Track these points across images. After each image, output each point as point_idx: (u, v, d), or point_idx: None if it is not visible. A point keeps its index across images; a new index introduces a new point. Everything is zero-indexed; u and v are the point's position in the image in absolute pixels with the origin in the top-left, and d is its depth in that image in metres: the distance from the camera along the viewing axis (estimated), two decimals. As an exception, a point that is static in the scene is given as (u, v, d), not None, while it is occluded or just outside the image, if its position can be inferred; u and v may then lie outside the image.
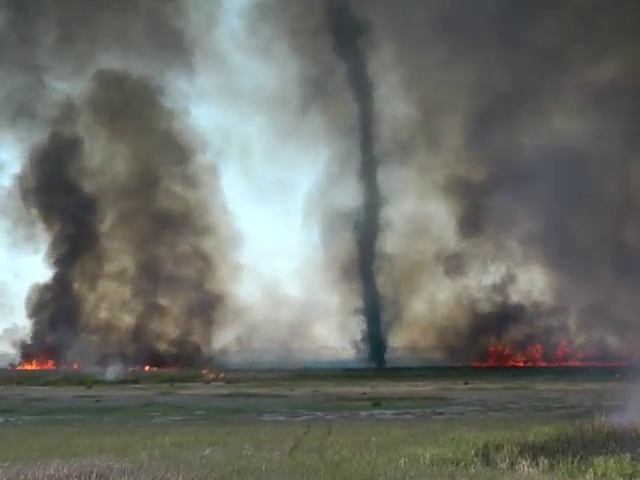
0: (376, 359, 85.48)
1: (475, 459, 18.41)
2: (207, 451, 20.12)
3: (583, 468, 17.12)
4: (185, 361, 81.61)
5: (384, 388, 52.39)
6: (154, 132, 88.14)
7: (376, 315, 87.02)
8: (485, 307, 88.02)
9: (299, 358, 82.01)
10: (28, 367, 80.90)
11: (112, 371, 64.34)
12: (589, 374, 61.67)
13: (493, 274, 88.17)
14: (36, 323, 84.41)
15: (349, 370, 72.65)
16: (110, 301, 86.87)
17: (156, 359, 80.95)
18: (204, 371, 68.55)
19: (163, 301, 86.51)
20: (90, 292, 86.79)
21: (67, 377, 62.93)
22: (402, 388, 52.06)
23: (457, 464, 17.97)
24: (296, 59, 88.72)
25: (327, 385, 55.39)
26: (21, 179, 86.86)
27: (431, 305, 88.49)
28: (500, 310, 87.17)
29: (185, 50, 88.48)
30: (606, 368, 65.20)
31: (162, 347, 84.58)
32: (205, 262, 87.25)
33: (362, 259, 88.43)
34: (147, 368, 76.87)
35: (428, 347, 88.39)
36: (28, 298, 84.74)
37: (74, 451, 20.52)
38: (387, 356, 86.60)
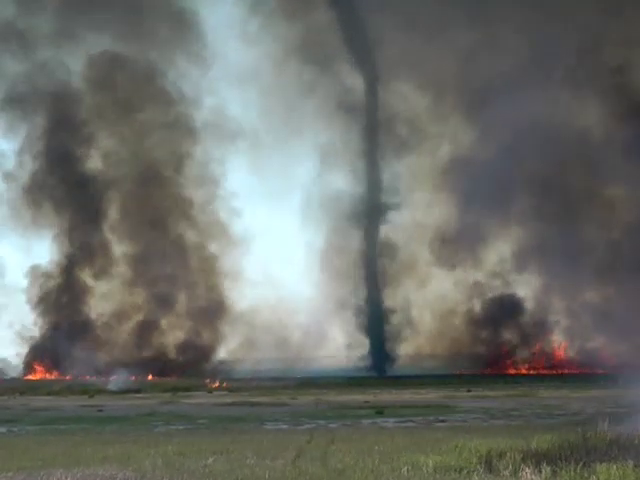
0: (377, 368, 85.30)
1: (478, 466, 18.38)
2: (210, 460, 20.10)
3: (586, 475, 17.09)
4: (188, 369, 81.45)
5: (387, 396, 52.35)
6: (155, 116, 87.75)
7: (379, 323, 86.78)
8: (486, 303, 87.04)
9: (301, 366, 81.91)
10: (32, 377, 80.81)
11: (117, 381, 64.35)
12: (591, 381, 61.66)
13: (495, 264, 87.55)
14: (40, 321, 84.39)
15: (351, 378, 72.58)
16: (114, 303, 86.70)
17: (160, 367, 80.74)
18: (207, 380, 68.51)
19: (167, 307, 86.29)
20: (94, 290, 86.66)
21: (70, 387, 62.91)
22: (405, 396, 52.01)
23: (460, 472, 17.95)
24: (293, 29, 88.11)
25: (329, 393, 55.35)
26: (24, 168, 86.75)
27: (434, 304, 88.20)
28: (501, 307, 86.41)
29: (183, 32, 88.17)
30: (608, 375, 65.17)
31: (165, 355, 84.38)
32: (208, 264, 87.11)
33: (365, 262, 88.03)
34: (150, 377, 76.69)
35: (430, 354, 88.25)
36: (30, 285, 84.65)
37: (77, 461, 20.50)
38: (389, 364, 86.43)
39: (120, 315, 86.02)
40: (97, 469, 18.12)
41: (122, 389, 60.91)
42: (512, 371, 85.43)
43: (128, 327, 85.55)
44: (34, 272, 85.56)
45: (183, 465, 19.28)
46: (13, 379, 77.34)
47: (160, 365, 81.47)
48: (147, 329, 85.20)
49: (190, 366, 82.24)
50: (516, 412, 38.45)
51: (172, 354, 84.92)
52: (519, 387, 59.63)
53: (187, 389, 61.44)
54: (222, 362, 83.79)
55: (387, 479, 17.08)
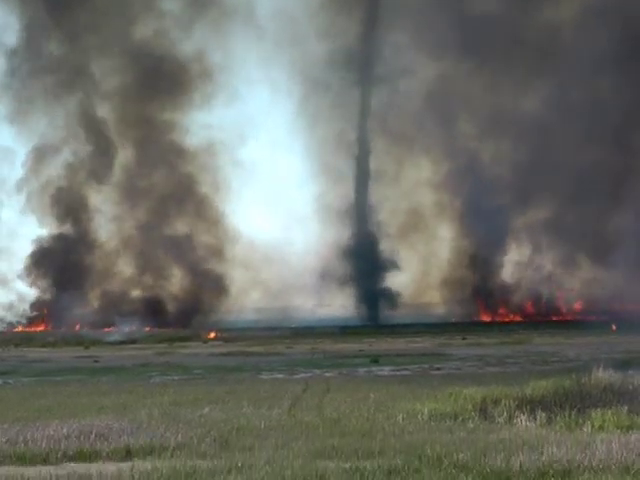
0: (371, 316, 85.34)
1: (473, 414, 18.48)
2: (206, 410, 20.17)
3: (581, 421, 17.19)
4: (185, 317, 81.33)
5: (382, 345, 52.57)
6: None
7: (371, 272, 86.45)
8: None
9: (297, 316, 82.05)
10: (28, 328, 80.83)
11: (120, 332, 64.56)
12: (586, 327, 61.97)
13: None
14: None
15: (347, 327, 72.80)
16: (112, 250, 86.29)
17: (156, 313, 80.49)
18: (202, 330, 68.62)
19: (164, 259, 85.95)
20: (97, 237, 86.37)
21: (65, 338, 63.02)
22: (400, 345, 52.23)
23: (455, 419, 18.04)
24: None
25: (325, 342, 55.57)
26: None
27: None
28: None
29: None
30: (602, 321, 65.54)
31: (163, 305, 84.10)
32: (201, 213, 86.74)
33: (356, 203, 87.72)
34: (147, 329, 76.55)
35: (426, 300, 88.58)
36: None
37: (73, 412, 20.56)
38: (384, 313, 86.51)
39: (119, 264, 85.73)
40: (93, 420, 18.17)
41: (122, 340, 61.03)
42: (506, 318, 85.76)
43: (127, 275, 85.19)
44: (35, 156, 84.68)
45: (179, 415, 19.35)
46: (7, 331, 77.50)
47: (157, 310, 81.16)
48: (145, 280, 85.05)
49: (188, 315, 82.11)
50: (511, 359, 38.65)
51: (171, 305, 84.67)
52: (514, 334, 59.89)
53: (183, 339, 61.61)
54: (218, 312, 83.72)
55: (382, 427, 17.16)
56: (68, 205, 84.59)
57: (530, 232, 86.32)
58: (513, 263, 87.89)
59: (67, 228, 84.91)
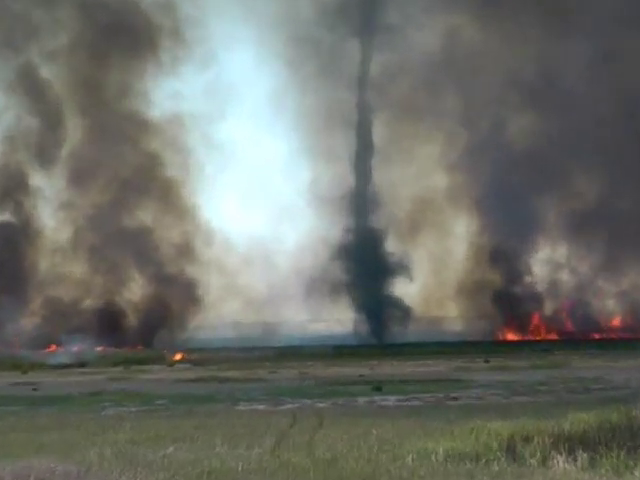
0: (373, 333, 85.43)
1: (499, 454, 18.41)
2: (170, 449, 20.13)
3: (631, 463, 17.11)
4: (147, 335, 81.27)
5: (386, 369, 52.69)
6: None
7: (374, 276, 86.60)
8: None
9: (282, 333, 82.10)
10: None
11: (66, 353, 64.53)
12: (635, 347, 62.07)
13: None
14: None
15: (343, 347, 72.85)
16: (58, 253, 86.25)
17: (113, 334, 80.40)
18: (167, 350, 68.64)
19: (123, 264, 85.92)
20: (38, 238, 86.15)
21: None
22: (408, 368, 52.34)
23: (477, 460, 17.98)
24: None
25: (316, 366, 55.66)
26: None
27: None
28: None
29: None
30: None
31: (120, 317, 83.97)
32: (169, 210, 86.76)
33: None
34: (100, 349, 76.32)
35: (439, 314, 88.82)
36: None
37: (7, 451, 20.54)
38: (390, 329, 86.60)
39: (67, 267, 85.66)
40: (32, 461, 18.09)
41: (68, 362, 60.99)
42: (538, 336, 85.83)
43: (75, 284, 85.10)
44: None
45: (137, 455, 19.29)
46: None
47: (112, 325, 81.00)
48: (97, 288, 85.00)
49: (150, 327, 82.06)
50: (544, 387, 38.74)
51: (130, 319, 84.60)
52: (547, 356, 60.04)
53: (143, 362, 61.61)
54: (185, 330, 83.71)
55: (387, 470, 17.11)
56: (6, 187, 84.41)
57: (566, 223, 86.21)
58: (544, 263, 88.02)
59: (5, 217, 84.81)
